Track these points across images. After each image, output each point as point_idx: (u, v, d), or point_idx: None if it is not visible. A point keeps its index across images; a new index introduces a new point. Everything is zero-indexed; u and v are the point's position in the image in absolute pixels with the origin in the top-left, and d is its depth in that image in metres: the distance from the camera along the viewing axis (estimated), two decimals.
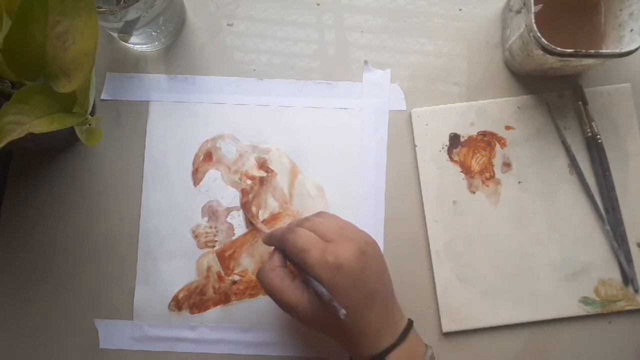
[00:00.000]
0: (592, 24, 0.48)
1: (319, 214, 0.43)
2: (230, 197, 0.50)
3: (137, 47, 0.51)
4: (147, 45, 0.51)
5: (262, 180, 0.50)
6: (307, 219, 0.42)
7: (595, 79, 0.51)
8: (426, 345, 0.41)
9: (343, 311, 0.36)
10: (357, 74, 0.52)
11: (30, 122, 0.35)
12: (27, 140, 0.36)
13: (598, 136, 0.49)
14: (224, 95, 0.51)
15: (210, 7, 0.53)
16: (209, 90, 0.51)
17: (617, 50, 0.43)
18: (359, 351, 0.39)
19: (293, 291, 0.39)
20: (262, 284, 0.41)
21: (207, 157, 0.50)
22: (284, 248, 0.40)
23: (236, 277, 0.49)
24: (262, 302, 0.48)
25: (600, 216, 0.48)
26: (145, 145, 0.50)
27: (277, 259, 0.41)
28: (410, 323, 0.41)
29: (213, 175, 0.50)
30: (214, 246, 0.49)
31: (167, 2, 0.46)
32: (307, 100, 0.51)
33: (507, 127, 0.50)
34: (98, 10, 0.39)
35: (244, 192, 0.50)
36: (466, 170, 0.50)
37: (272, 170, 0.50)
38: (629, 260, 0.48)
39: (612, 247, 0.48)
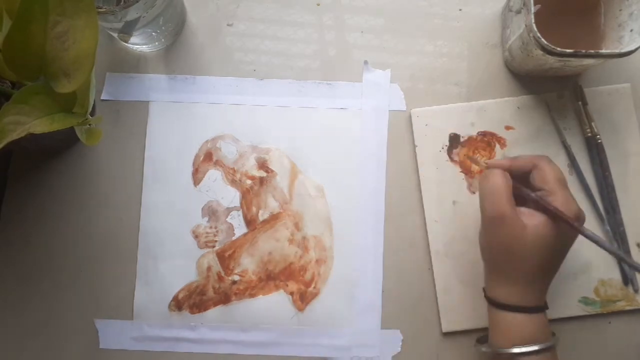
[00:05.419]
0: (592, 24, 0.48)
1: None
2: (230, 197, 0.50)
3: (137, 47, 0.51)
4: (147, 46, 0.51)
5: (262, 180, 0.50)
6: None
7: (595, 79, 0.51)
8: (553, 333, 0.42)
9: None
10: (357, 74, 0.52)
11: (30, 123, 0.36)
12: (27, 140, 0.36)
13: (598, 136, 0.49)
14: (223, 95, 0.51)
15: (210, 8, 0.53)
16: (209, 91, 0.51)
17: (616, 51, 0.43)
18: (504, 290, 0.40)
19: (509, 205, 0.39)
20: (486, 180, 0.40)
21: (207, 157, 0.50)
22: (535, 168, 0.40)
23: (236, 277, 0.49)
24: (262, 302, 0.48)
25: (600, 216, 0.48)
26: (145, 145, 0.50)
27: (509, 176, 0.40)
28: (546, 306, 0.42)
29: (213, 175, 0.50)
30: (214, 246, 0.49)
31: (167, 2, 0.46)
32: (306, 100, 0.51)
33: (507, 127, 0.50)
34: (98, 10, 0.39)
35: (245, 192, 0.50)
36: (466, 170, 0.50)
37: (272, 171, 0.50)
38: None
39: None
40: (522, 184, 0.41)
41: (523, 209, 0.40)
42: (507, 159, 0.43)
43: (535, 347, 0.38)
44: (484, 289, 0.43)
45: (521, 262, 0.39)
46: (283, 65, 0.52)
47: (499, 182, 0.39)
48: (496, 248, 0.40)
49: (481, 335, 0.45)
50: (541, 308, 0.40)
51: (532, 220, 0.38)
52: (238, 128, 0.51)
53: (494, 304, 0.41)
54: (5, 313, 0.48)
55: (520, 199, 0.40)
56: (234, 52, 0.52)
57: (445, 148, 0.50)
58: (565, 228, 0.39)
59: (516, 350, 0.38)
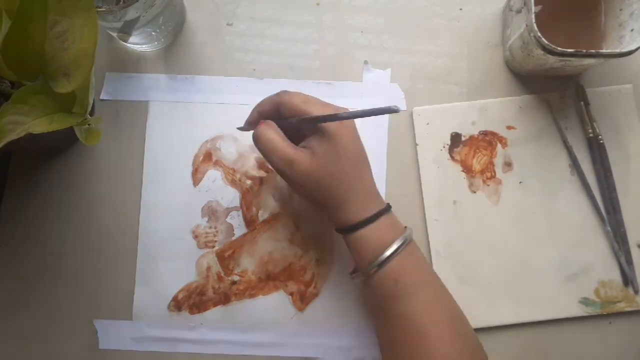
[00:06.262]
0: (593, 23, 0.48)
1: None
2: (230, 197, 0.50)
3: (136, 47, 0.51)
4: (146, 45, 0.51)
5: (262, 180, 0.50)
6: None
7: (596, 79, 0.51)
8: (405, 226, 0.42)
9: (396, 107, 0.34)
10: (357, 74, 0.52)
11: (29, 122, 0.35)
12: (26, 140, 0.36)
13: (599, 137, 0.49)
14: (223, 95, 0.51)
15: (210, 7, 0.53)
16: (209, 90, 0.51)
17: (617, 50, 0.42)
18: (345, 215, 0.41)
19: (292, 147, 0.40)
20: (259, 141, 0.41)
21: (206, 157, 0.50)
22: (280, 105, 0.41)
23: (236, 278, 0.49)
24: (262, 302, 0.48)
25: (600, 217, 0.48)
26: (145, 145, 0.50)
27: (270, 123, 0.41)
28: (389, 205, 0.43)
29: (213, 175, 0.50)
30: (213, 246, 0.49)
31: (166, 1, 0.46)
32: None
33: (509, 127, 0.50)
34: (97, 10, 0.39)
35: (244, 192, 0.50)
36: (467, 169, 0.50)
37: (272, 171, 0.50)
38: (630, 261, 0.48)
39: (612, 248, 0.48)
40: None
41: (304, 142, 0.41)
42: (256, 108, 0.43)
43: (400, 242, 0.40)
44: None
45: (329, 186, 0.40)
46: (283, 65, 0.52)
47: (271, 134, 0.40)
48: (306, 188, 0.41)
49: (353, 269, 0.44)
50: (382, 212, 0.41)
51: (301, 155, 0.39)
52: None
53: (343, 230, 0.41)
54: (4, 313, 0.48)
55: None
56: (234, 52, 0.52)
57: (447, 147, 0.50)
58: (331, 134, 0.39)
59: (387, 253, 0.39)
